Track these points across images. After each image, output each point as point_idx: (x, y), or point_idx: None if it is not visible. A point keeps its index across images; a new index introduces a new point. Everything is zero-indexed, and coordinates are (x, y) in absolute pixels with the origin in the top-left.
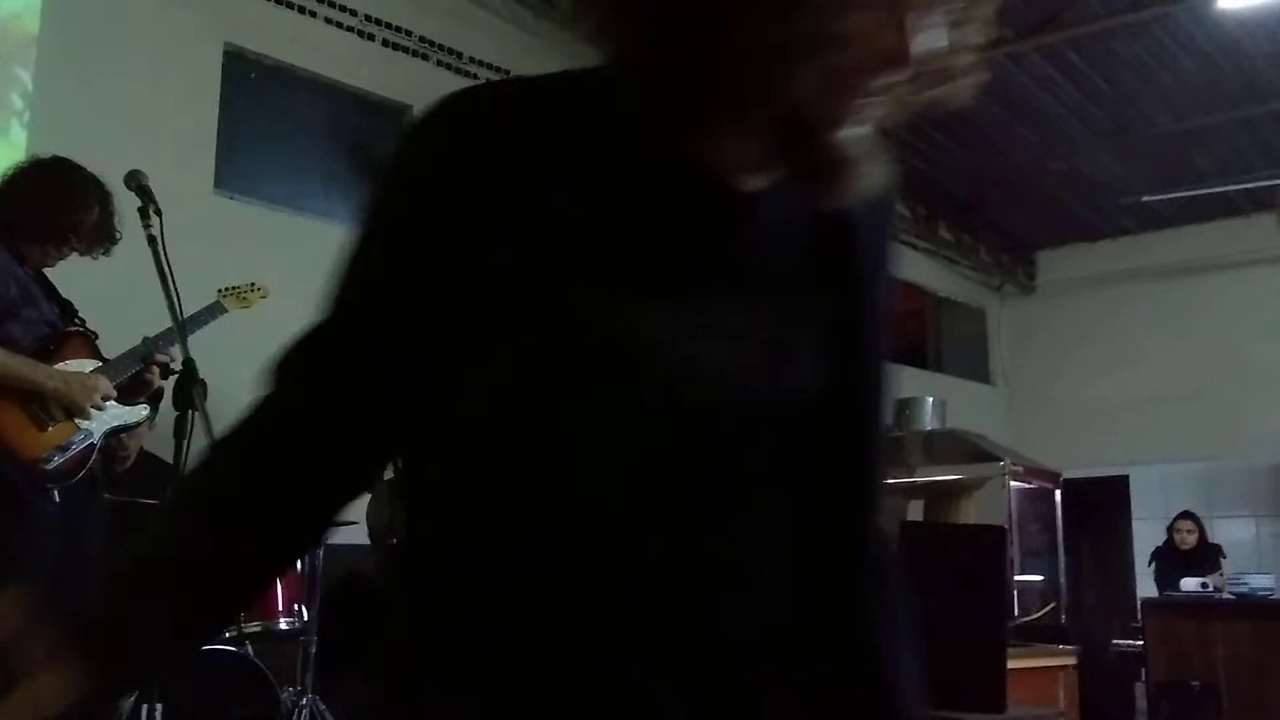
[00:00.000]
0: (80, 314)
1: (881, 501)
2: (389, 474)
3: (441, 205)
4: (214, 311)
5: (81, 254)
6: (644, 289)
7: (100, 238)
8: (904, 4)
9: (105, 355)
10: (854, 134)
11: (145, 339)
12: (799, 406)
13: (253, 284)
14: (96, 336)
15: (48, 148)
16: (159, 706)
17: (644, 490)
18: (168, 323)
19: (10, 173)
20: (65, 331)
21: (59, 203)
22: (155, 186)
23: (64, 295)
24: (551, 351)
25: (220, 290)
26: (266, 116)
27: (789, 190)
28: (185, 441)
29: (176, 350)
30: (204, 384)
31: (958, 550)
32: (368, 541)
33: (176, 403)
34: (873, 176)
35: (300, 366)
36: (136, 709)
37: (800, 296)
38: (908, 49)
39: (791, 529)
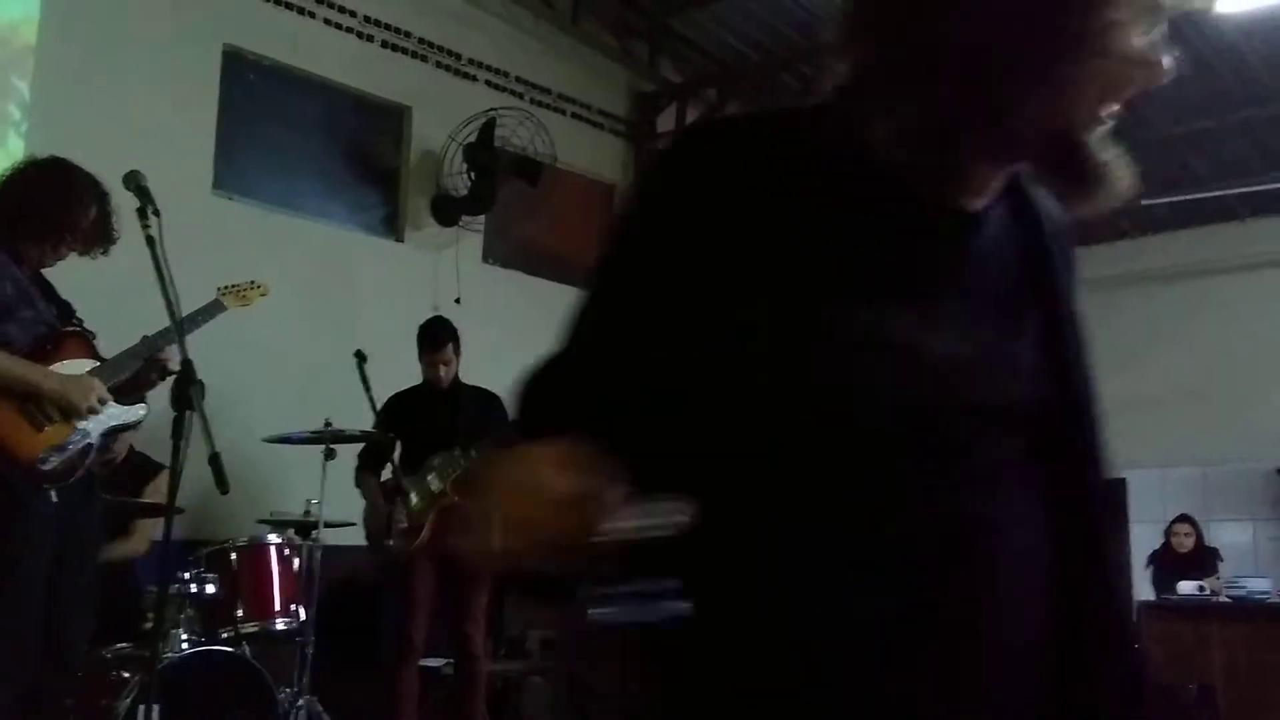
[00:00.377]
0: (78, 314)
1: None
2: (387, 475)
3: (688, 232)
4: (213, 310)
5: (80, 254)
6: (887, 300)
7: (98, 238)
8: (1153, 14)
9: (104, 355)
10: (1101, 139)
11: (144, 338)
12: (1029, 412)
13: (252, 282)
14: (94, 336)
15: (45, 153)
16: (156, 707)
17: (905, 492)
18: (166, 322)
19: (8, 173)
20: (63, 332)
21: (56, 202)
22: (154, 187)
23: (63, 295)
24: (810, 360)
25: (220, 288)
26: (265, 117)
27: (1001, 209)
28: (183, 442)
29: (174, 350)
30: (202, 384)
31: None
32: (365, 543)
33: (175, 404)
34: (1125, 178)
35: (534, 396)
36: (134, 709)
37: (1017, 308)
38: (1158, 58)
39: (1037, 532)
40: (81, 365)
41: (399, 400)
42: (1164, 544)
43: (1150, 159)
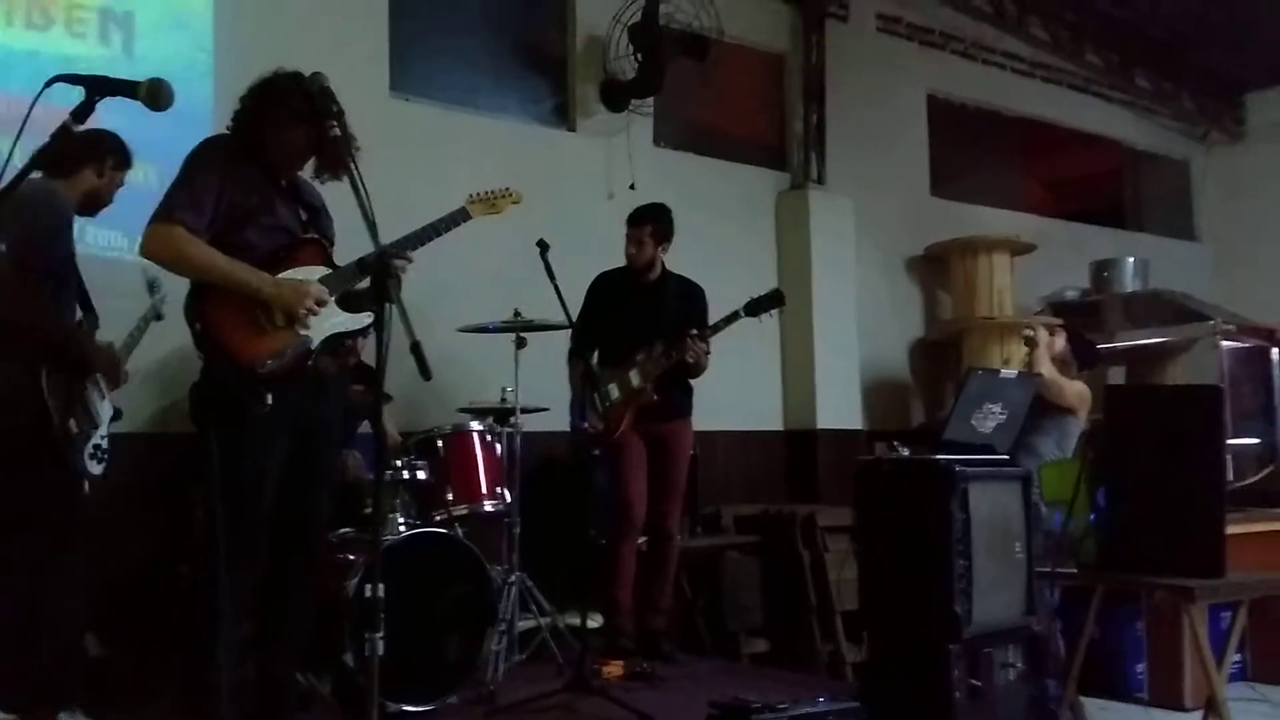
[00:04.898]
0: (325, 222)
1: None
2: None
3: None
4: (458, 218)
5: (318, 175)
6: None
7: (326, 158)
8: None
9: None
10: None
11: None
12: None
13: (507, 189)
14: (331, 245)
15: (229, 63)
16: (381, 586)
17: None
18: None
19: (252, 86)
20: (300, 239)
21: (275, 115)
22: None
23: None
24: None
25: (470, 195)
26: (433, 15)
27: None
28: (385, 334)
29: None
30: (399, 278)
31: (1170, 412)
32: (559, 428)
33: (374, 297)
34: None
35: None
36: (360, 588)
37: None
38: None
39: None
40: (313, 272)
41: (606, 281)
42: None
43: None
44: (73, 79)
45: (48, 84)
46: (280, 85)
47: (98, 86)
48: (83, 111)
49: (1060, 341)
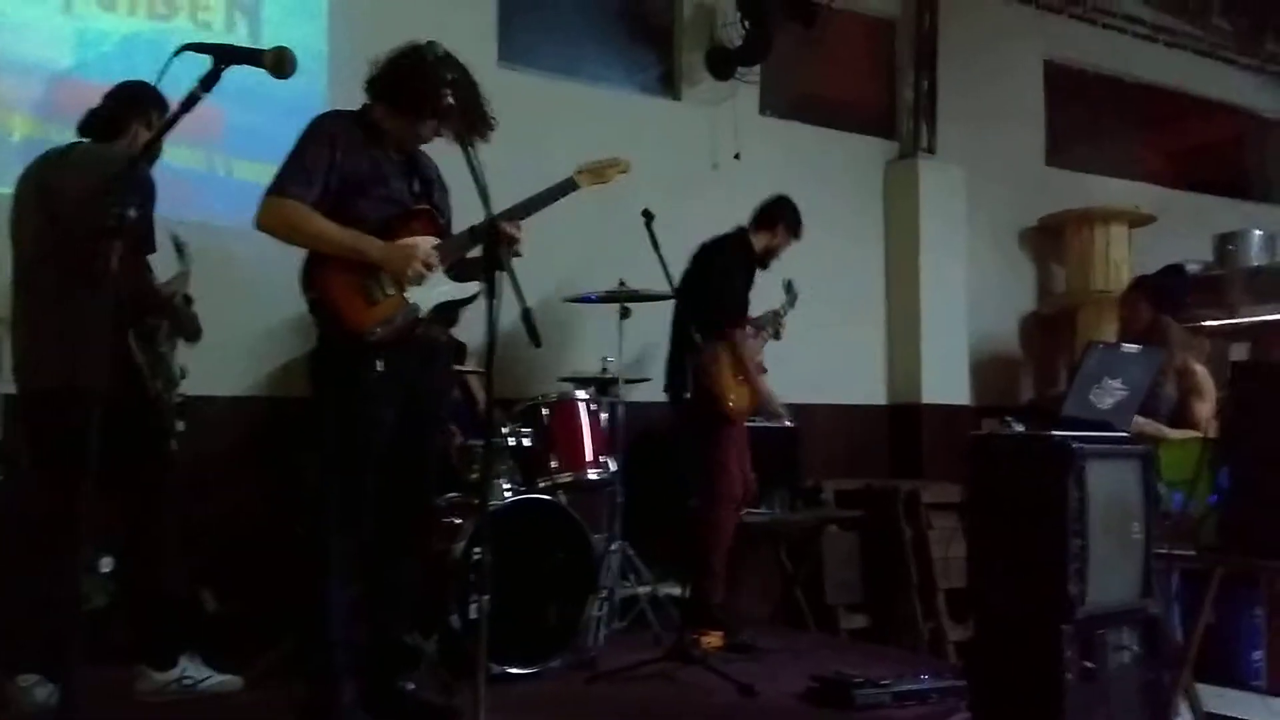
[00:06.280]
0: (438, 195)
1: None
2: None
3: None
4: (565, 188)
5: (455, 139)
6: None
7: (465, 123)
8: None
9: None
10: None
11: (488, 216)
12: None
13: (614, 159)
14: (444, 216)
15: (343, 51)
16: (488, 548)
17: None
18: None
19: (387, 55)
20: (411, 210)
21: (406, 83)
22: None
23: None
24: None
25: (578, 166)
26: None
27: None
28: (496, 301)
29: (516, 225)
30: (510, 246)
31: None
32: (659, 399)
33: (485, 265)
34: None
35: None
36: (467, 552)
37: None
38: None
39: None
40: (424, 242)
41: (726, 252)
42: None
43: None
44: (200, 48)
45: (176, 53)
46: (401, 59)
47: (225, 55)
48: (210, 80)
49: (1144, 309)
